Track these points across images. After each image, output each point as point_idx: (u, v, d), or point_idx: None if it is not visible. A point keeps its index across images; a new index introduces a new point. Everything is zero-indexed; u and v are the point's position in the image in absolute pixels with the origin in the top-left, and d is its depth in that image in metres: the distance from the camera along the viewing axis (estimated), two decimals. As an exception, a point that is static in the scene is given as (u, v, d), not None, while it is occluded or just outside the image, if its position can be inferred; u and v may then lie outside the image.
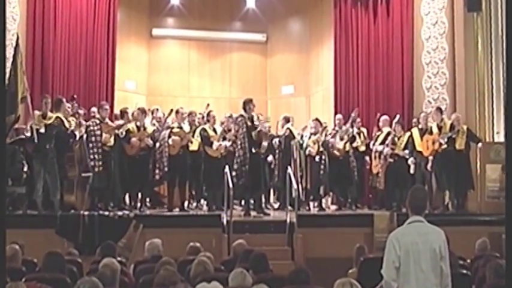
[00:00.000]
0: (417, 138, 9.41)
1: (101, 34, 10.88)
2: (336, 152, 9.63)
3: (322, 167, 9.57)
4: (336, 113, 11.10)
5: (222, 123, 10.00)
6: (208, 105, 9.90)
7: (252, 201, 9.20)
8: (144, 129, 8.95)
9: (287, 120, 10.23)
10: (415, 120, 9.99)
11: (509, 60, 3.61)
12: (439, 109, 9.66)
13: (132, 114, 9.43)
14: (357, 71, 11.51)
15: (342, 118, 10.13)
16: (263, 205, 9.55)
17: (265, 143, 8.86)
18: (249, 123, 8.77)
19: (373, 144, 10.00)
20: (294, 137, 9.80)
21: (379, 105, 11.15)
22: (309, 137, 9.74)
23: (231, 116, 10.16)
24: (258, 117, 9.09)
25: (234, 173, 8.56)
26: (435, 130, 9.28)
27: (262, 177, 8.94)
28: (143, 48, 14.00)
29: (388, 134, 9.77)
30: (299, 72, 14.24)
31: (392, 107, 10.96)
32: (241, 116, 8.89)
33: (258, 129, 8.78)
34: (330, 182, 9.61)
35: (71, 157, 8.24)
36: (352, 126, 9.88)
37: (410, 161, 9.31)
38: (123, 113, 9.36)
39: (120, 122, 8.95)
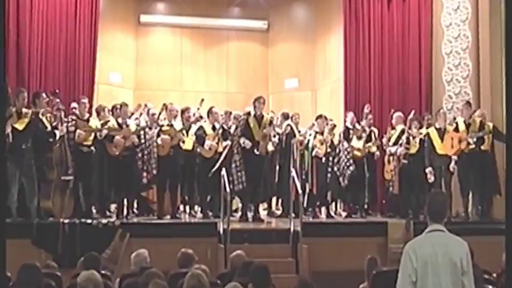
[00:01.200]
0: (436, 139, 9.34)
1: (82, 21, 10.85)
2: (356, 153, 9.65)
3: (329, 169, 9.56)
4: (346, 109, 11.09)
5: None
6: (202, 100, 9.88)
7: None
8: (127, 126, 8.91)
9: (286, 116, 10.23)
10: (428, 117, 9.91)
11: (509, 60, 3.67)
12: (468, 103, 9.54)
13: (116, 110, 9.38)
14: (368, 63, 11.49)
15: (354, 116, 10.11)
16: (261, 211, 9.58)
17: (262, 142, 8.95)
18: (255, 123, 8.80)
19: (387, 145, 9.96)
20: (294, 135, 9.78)
21: (393, 100, 11.13)
22: (314, 136, 9.71)
23: (231, 113, 10.16)
24: (270, 122, 9.13)
25: (230, 178, 8.66)
26: (462, 127, 9.19)
27: (264, 182, 8.96)
28: (130, 36, 13.99)
29: (402, 132, 9.73)
30: (304, 63, 14.22)
31: (408, 103, 10.94)
32: (247, 114, 8.94)
33: (264, 131, 8.88)
34: (340, 187, 9.62)
35: (49, 158, 8.22)
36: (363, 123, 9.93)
37: (428, 170, 9.18)
38: (99, 110, 9.31)
39: (98, 122, 8.91)
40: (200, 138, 9.33)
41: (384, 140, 10.05)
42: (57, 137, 8.24)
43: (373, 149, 9.98)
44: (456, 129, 9.24)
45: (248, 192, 9.05)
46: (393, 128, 10.07)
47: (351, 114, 10.20)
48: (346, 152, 9.56)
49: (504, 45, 3.82)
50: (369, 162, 9.93)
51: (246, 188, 8.94)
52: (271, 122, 9.26)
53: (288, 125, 10.01)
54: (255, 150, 8.92)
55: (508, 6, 3.84)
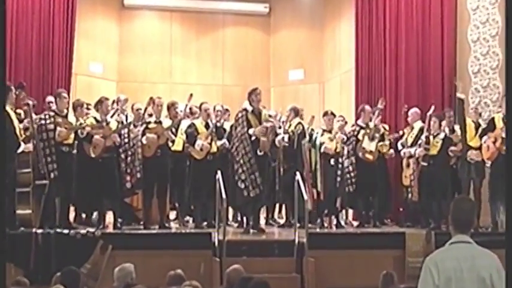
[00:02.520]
0: (471, 130, 9.28)
1: (58, 4, 10.85)
2: (368, 156, 9.65)
3: (339, 172, 9.55)
4: (357, 104, 11.08)
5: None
6: (191, 96, 9.85)
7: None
8: (107, 123, 8.90)
9: (297, 112, 10.18)
10: (451, 113, 9.87)
11: (509, 60, 3.74)
12: None
13: (96, 105, 9.36)
14: (383, 52, 11.48)
15: (370, 111, 10.02)
16: (262, 220, 9.58)
17: (263, 138, 8.92)
18: (254, 120, 8.83)
19: (402, 146, 9.92)
20: (305, 135, 9.77)
21: (411, 94, 11.09)
22: (322, 134, 9.70)
23: (227, 110, 10.13)
24: (269, 116, 9.10)
25: (242, 185, 8.71)
26: (499, 123, 9.01)
27: (266, 187, 8.93)
28: (112, 21, 13.99)
29: (421, 131, 9.71)
30: (310, 52, 14.24)
31: (429, 97, 10.90)
32: (244, 110, 8.93)
33: (261, 127, 8.86)
34: (352, 192, 9.61)
35: (25, 159, 8.20)
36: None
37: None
38: (76, 106, 9.31)
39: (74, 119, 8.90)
40: (191, 137, 9.32)
41: (399, 144, 10.02)
42: (20, 150, 8.14)
43: (386, 149, 9.93)
44: (493, 128, 9.06)
45: (249, 200, 8.98)
46: (411, 127, 10.04)
47: (367, 109, 10.08)
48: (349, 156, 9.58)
49: (505, 45, 3.91)
50: (381, 164, 9.92)
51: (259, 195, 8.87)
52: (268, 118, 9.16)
53: (300, 123, 9.98)
54: (258, 151, 8.88)
55: (508, 6, 3.95)
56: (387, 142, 10.00)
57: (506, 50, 3.92)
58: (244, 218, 9.43)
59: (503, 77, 10.52)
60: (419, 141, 9.58)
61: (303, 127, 9.90)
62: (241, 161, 8.83)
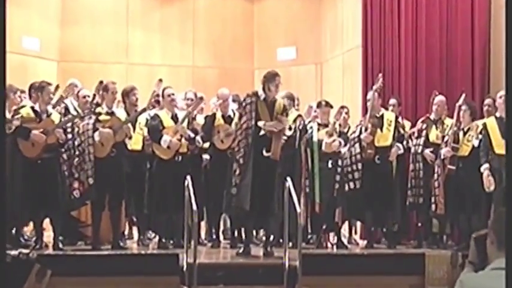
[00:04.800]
0: (495, 133, 9.34)
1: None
2: (369, 151, 9.61)
3: (338, 177, 9.54)
4: (364, 90, 11.09)
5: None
6: (160, 81, 9.85)
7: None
8: (48, 115, 8.84)
9: (293, 101, 10.14)
10: (488, 101, 9.90)
11: (509, 59, 3.82)
12: None
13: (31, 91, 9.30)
14: (397, 25, 11.50)
15: (378, 98, 9.94)
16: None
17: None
18: (264, 109, 8.76)
19: (443, 144, 9.84)
20: (306, 132, 9.72)
21: (433, 78, 11.13)
22: (318, 129, 9.69)
23: (201, 98, 10.08)
24: (284, 110, 8.91)
25: (233, 190, 8.64)
26: None
27: (276, 195, 8.78)
28: (53, -15, 13.95)
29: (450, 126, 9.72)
30: (305, 26, 14.26)
31: (455, 84, 10.97)
32: (254, 95, 8.82)
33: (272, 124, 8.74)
34: (364, 202, 9.61)
35: None
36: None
37: (486, 172, 9.13)
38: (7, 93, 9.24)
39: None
40: (155, 131, 9.24)
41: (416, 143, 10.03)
42: None
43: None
44: None
45: (253, 214, 8.86)
46: (439, 119, 10.00)
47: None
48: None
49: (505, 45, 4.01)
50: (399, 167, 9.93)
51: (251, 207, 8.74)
52: (284, 110, 8.99)
53: (299, 115, 10.03)
54: (264, 152, 8.73)
55: (508, 7, 4.10)
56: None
57: (506, 50, 3.98)
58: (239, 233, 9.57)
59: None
60: (446, 138, 9.55)
61: (304, 121, 9.86)
62: (241, 161, 8.71)
